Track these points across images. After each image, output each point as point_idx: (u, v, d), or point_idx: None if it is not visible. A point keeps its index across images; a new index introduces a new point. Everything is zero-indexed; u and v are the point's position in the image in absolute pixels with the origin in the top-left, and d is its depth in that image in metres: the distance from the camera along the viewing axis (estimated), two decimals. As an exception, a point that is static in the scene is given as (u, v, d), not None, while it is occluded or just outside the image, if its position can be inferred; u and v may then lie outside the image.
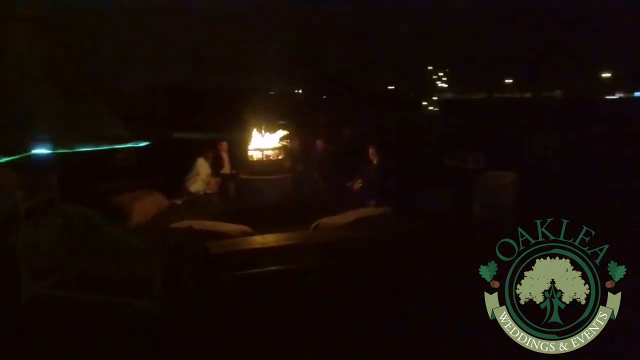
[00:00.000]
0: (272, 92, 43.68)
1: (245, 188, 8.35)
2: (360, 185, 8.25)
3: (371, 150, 8.33)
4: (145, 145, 16.48)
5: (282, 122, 20.12)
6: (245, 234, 6.31)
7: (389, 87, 47.88)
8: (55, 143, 14.84)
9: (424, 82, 44.36)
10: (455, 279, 5.81)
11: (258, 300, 5.26)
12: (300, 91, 45.25)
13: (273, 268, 5.76)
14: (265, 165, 8.08)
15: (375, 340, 4.42)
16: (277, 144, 8.32)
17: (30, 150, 14.23)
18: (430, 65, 45.83)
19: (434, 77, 47.55)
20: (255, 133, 8.36)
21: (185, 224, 6.37)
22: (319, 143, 9.59)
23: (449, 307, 5.05)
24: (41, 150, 14.57)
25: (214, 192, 9.19)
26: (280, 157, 8.24)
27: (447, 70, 47.32)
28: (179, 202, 8.88)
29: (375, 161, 8.31)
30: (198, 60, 29.94)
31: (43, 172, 8.36)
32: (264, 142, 8.27)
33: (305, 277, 5.75)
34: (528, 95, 48.19)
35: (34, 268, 4.88)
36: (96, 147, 15.30)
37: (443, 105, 36.85)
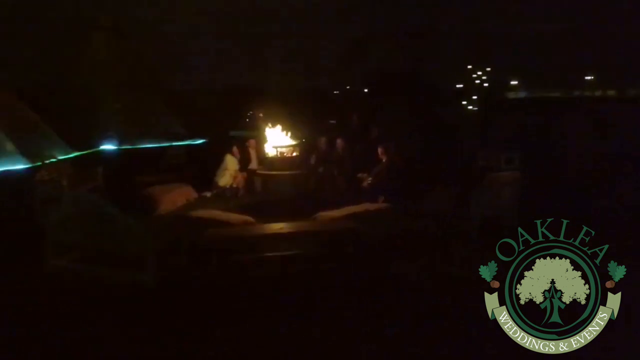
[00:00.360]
0: (336, 92, 44.34)
1: (261, 182, 9.06)
2: (369, 182, 8.67)
3: (380, 150, 8.72)
4: (200, 143, 17.78)
5: (332, 121, 20.78)
6: (246, 223, 6.98)
7: (458, 86, 47.00)
8: (120, 140, 16.48)
9: (465, 80, 43.11)
10: (444, 275, 6.12)
11: (247, 282, 5.91)
12: (366, 90, 45.53)
13: (269, 254, 6.40)
14: (280, 162, 8.71)
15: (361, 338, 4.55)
16: (291, 142, 8.94)
17: (98, 146, 15.95)
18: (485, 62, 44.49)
19: (474, 75, 46.07)
20: (270, 131, 9.03)
21: (198, 213, 7.15)
22: (339, 142, 10.09)
23: (437, 304, 5.21)
24: (108, 146, 16.27)
25: (241, 186, 10.00)
26: (294, 154, 8.84)
27: (488, 69, 45.68)
28: (208, 194, 9.76)
29: (384, 160, 8.69)
30: (257, 61, 31.29)
31: (92, 165, 9.54)
32: (279, 140, 8.92)
33: (295, 262, 6.33)
34: (612, 93, 45.27)
35: (57, 244, 5.83)
36: (156, 144, 16.74)
37: (486, 104, 35.72)
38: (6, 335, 4.62)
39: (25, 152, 12.30)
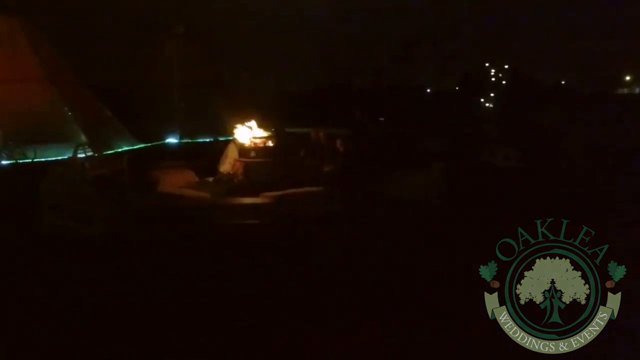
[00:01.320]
0: (429, 90, 44.54)
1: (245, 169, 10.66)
2: (326, 169, 9.84)
3: (338, 142, 9.83)
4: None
5: (381, 118, 21.69)
6: (200, 198, 8.63)
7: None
8: (182, 134, 19.11)
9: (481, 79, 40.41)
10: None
11: (181, 242, 7.52)
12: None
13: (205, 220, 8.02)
14: (254, 151, 10.23)
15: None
16: (264, 134, 10.38)
17: (164, 139, 18.71)
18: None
19: (491, 73, 42.92)
20: (247, 127, 10.57)
21: (167, 188, 8.97)
22: (322, 135, 11.30)
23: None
24: (172, 140, 18.99)
25: (238, 173, 11.63)
26: (267, 145, 10.28)
27: (506, 67, 42.38)
28: (210, 179, 11.54)
29: (341, 150, 9.79)
30: (330, 61, 32.85)
31: (120, 153, 11.87)
32: (256, 133, 10.43)
33: (220, 229, 7.86)
34: None
35: (49, 205, 7.95)
36: (210, 138, 19.08)
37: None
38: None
39: (96, 143, 15.28)
